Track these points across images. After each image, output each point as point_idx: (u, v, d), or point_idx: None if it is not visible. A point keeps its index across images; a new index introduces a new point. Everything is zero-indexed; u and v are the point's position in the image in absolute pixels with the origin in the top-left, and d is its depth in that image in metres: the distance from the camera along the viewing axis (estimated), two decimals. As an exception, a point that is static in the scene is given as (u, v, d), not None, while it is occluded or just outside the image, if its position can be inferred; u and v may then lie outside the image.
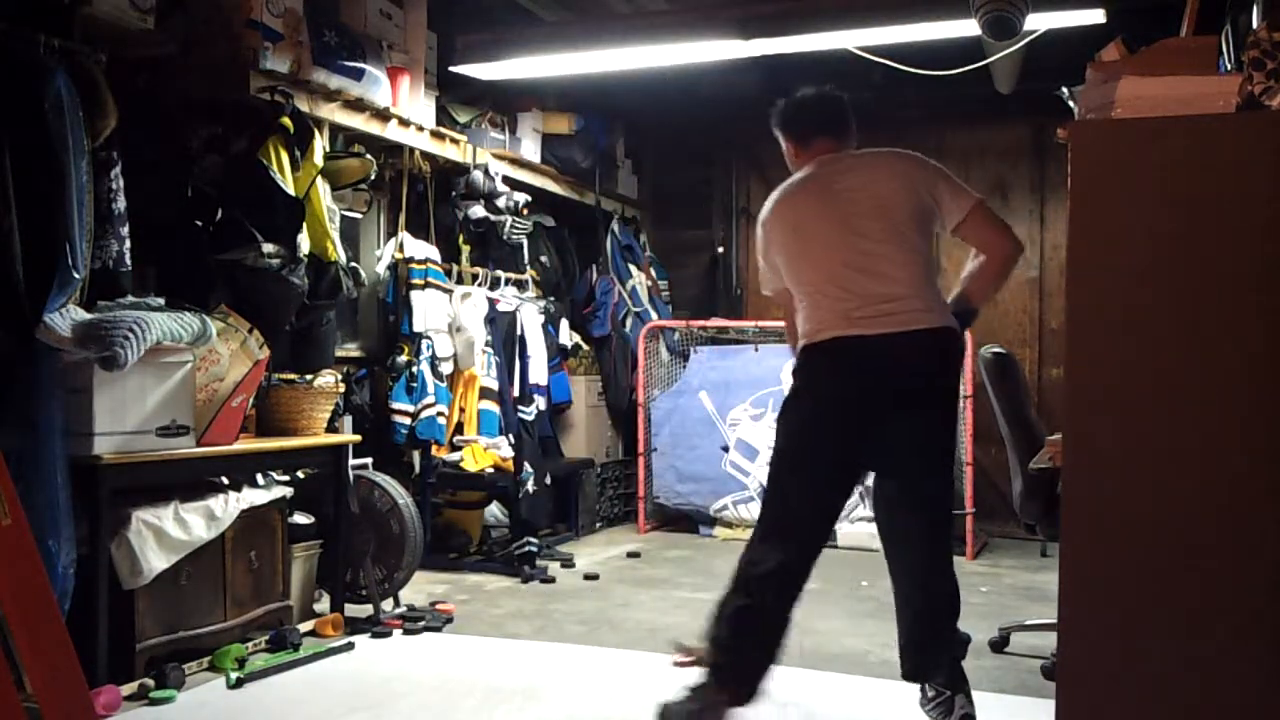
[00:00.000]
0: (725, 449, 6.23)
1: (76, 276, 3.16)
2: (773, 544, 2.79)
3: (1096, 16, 4.41)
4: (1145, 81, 2.35)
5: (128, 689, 3.20)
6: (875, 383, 2.78)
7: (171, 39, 3.84)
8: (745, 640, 2.75)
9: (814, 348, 2.83)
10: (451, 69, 5.20)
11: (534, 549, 5.19)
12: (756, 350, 6.29)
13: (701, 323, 6.61)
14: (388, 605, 4.26)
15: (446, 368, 5.32)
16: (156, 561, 3.30)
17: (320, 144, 4.24)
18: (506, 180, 5.64)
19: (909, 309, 2.76)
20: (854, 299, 2.77)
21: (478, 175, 5.43)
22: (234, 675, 3.38)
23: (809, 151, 3.02)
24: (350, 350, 5.12)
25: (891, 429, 2.82)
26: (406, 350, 5.11)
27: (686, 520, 6.39)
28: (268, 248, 3.92)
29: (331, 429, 4.28)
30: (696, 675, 2.80)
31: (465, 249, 5.76)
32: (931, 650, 2.93)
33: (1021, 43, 4.62)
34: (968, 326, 2.95)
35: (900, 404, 2.79)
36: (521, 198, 5.67)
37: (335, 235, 4.30)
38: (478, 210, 5.47)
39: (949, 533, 2.98)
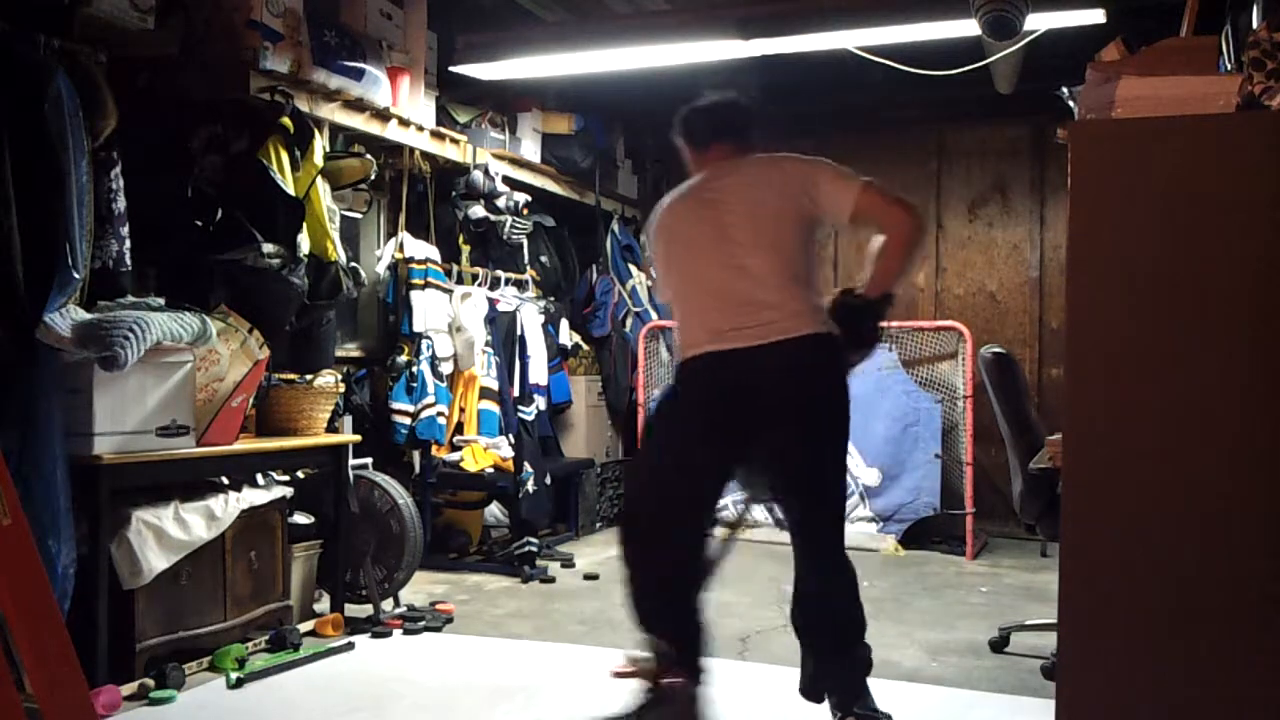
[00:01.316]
0: (725, 449, 6.22)
1: (76, 276, 3.16)
2: (636, 543, 2.82)
3: (1096, 16, 4.41)
4: (1145, 81, 2.35)
5: (128, 689, 3.20)
6: (738, 397, 2.69)
7: (171, 39, 3.83)
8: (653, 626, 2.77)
9: (685, 364, 2.78)
10: (451, 69, 5.20)
11: (534, 549, 5.19)
12: (756, 350, 6.28)
13: (701, 323, 6.59)
14: (388, 605, 4.26)
15: (446, 368, 5.32)
16: (156, 561, 3.30)
17: (320, 144, 4.24)
18: (506, 180, 5.64)
19: (773, 319, 2.67)
20: (720, 311, 2.72)
21: (478, 175, 5.43)
22: (234, 675, 3.38)
23: (706, 158, 2.95)
24: (350, 350, 5.11)
25: (764, 442, 2.75)
26: (406, 350, 5.11)
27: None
28: (268, 248, 3.92)
29: (331, 429, 4.28)
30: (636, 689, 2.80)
31: (465, 249, 5.76)
32: (820, 673, 2.83)
33: (1021, 43, 4.62)
34: (882, 315, 2.85)
35: (768, 417, 2.71)
36: (521, 198, 5.67)
37: (335, 235, 4.30)
38: (478, 210, 5.47)
39: (834, 546, 2.87)
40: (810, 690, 2.87)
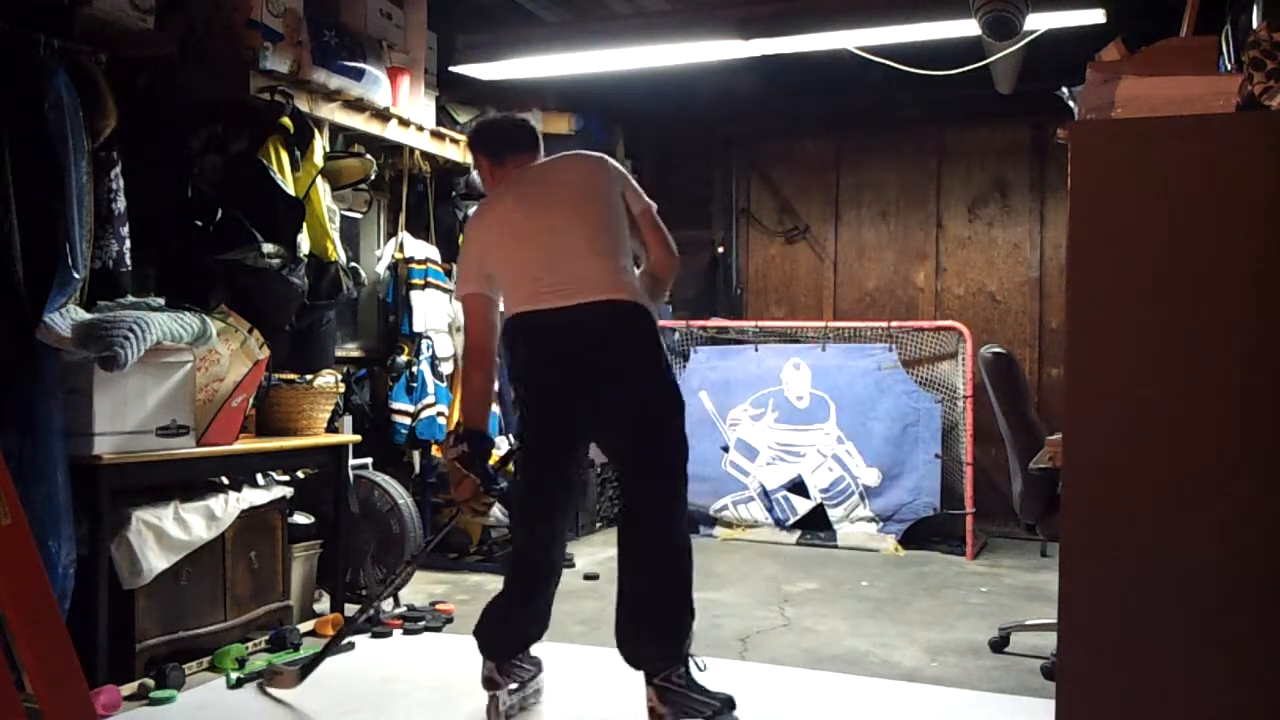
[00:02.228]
0: (725, 449, 6.23)
1: (76, 276, 3.16)
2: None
3: (1096, 16, 4.41)
4: (1145, 81, 2.35)
5: (128, 689, 3.20)
6: (559, 352, 2.95)
7: (171, 39, 3.83)
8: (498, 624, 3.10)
9: (507, 323, 3.04)
10: (451, 69, 5.20)
11: (534, 549, 5.18)
12: (756, 350, 6.30)
13: (701, 323, 6.61)
14: (388, 605, 4.25)
15: (446, 368, 5.32)
16: (156, 561, 3.31)
17: (320, 144, 4.24)
18: (506, 180, 5.63)
19: (589, 285, 2.91)
20: (542, 282, 2.95)
21: (478, 175, 5.42)
22: (234, 675, 3.38)
23: (503, 168, 3.22)
24: (350, 350, 5.11)
25: (588, 400, 2.97)
26: (406, 350, 5.11)
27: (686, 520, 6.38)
28: (268, 248, 3.92)
29: (331, 429, 4.28)
30: None
31: (465, 249, 5.76)
32: (643, 635, 2.95)
33: (1021, 43, 4.62)
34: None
35: (589, 374, 2.94)
36: (521, 198, 5.67)
37: (335, 235, 4.30)
38: (478, 210, 5.47)
39: (672, 511, 3.00)
40: (631, 654, 3.01)
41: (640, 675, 2.95)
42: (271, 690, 3.31)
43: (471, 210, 5.43)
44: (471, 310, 3.09)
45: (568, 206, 3.03)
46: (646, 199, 3.12)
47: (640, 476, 3.01)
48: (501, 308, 3.10)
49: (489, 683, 3.11)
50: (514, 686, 3.16)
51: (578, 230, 2.99)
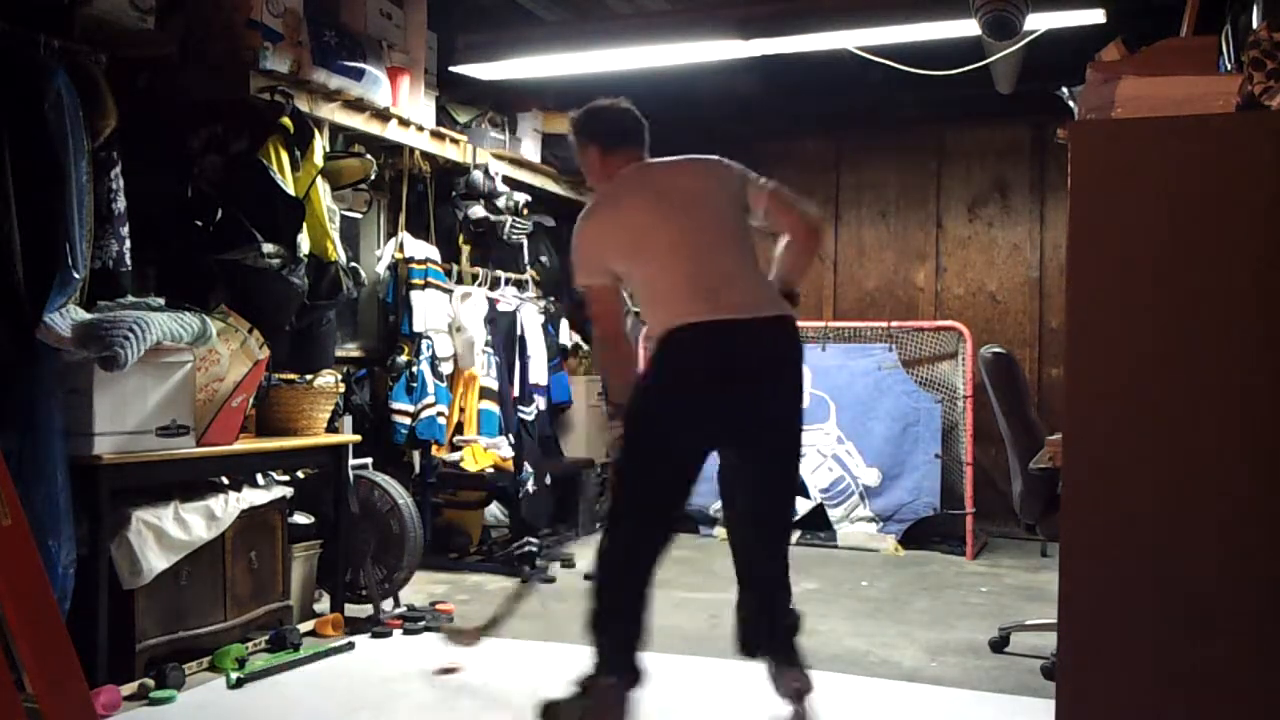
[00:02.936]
0: (725, 449, 6.22)
1: (76, 276, 3.16)
2: (631, 528, 2.93)
3: (1096, 16, 4.41)
4: (1145, 81, 2.34)
5: (128, 689, 3.20)
6: (725, 365, 2.84)
7: (171, 39, 3.83)
8: (620, 624, 2.88)
9: (669, 335, 2.86)
10: (451, 69, 5.20)
11: (534, 549, 5.19)
12: (756, 350, 6.28)
13: (701, 323, 6.59)
14: (388, 605, 4.25)
15: (446, 368, 5.32)
16: (156, 561, 3.30)
17: (320, 144, 4.23)
18: (506, 180, 5.63)
19: (753, 300, 2.87)
20: (711, 295, 2.84)
21: (478, 175, 5.43)
22: (234, 675, 3.38)
23: (614, 160, 3.12)
24: (350, 350, 5.11)
25: (746, 408, 2.89)
26: (406, 350, 5.11)
27: (686, 520, 6.38)
28: (268, 248, 3.92)
29: (331, 429, 4.28)
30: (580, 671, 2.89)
31: (465, 249, 5.76)
32: (765, 626, 3.04)
33: (1021, 43, 4.62)
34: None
35: (753, 383, 2.88)
36: (521, 198, 5.67)
37: (335, 235, 4.30)
38: (478, 210, 5.47)
39: (791, 518, 3.20)
40: (750, 644, 3.06)
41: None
42: (453, 645, 3.42)
43: (472, 210, 5.45)
44: (598, 299, 3.00)
45: (713, 217, 2.96)
46: (764, 181, 3.05)
47: (777, 478, 3.03)
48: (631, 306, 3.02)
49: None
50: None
51: (729, 243, 2.94)
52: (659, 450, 2.90)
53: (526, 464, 5.34)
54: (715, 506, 6.21)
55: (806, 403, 3.01)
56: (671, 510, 2.99)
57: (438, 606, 4.34)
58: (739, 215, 3.01)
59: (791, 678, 2.95)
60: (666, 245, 2.91)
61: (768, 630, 3.04)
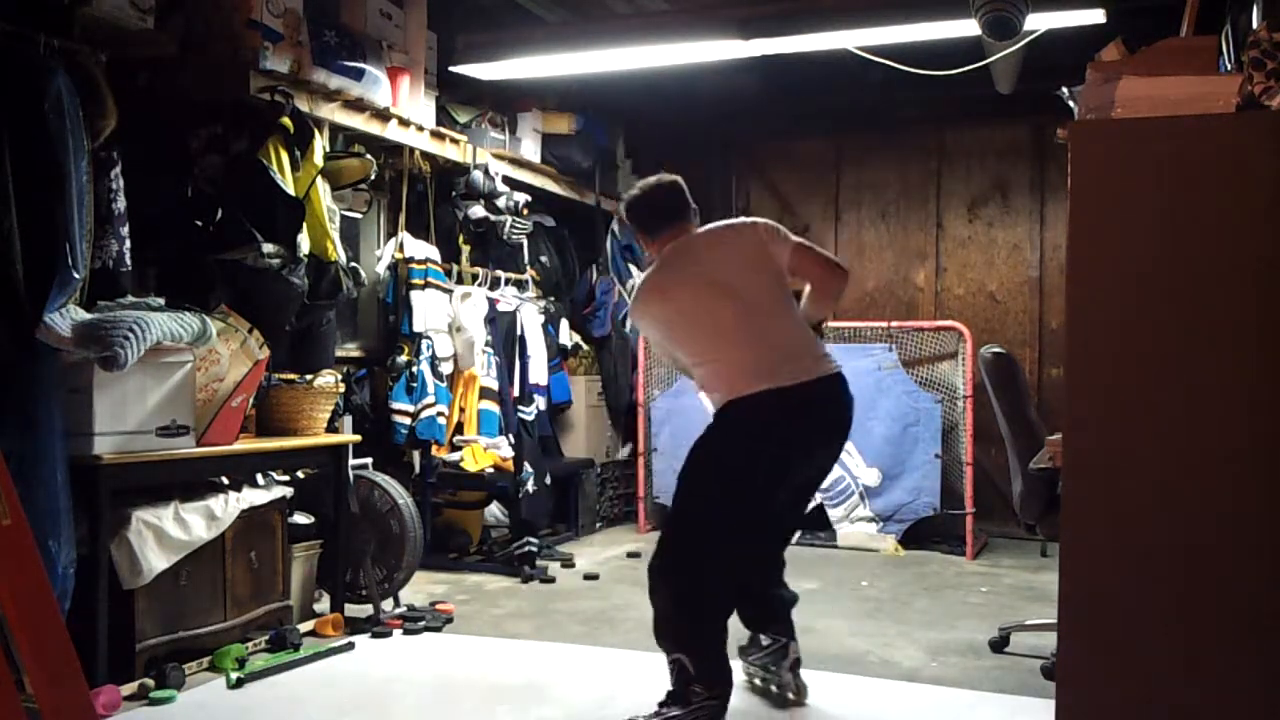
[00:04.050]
0: (725, 449, 6.22)
1: (76, 276, 3.15)
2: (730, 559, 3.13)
3: (1096, 16, 4.41)
4: (1145, 81, 2.34)
5: (128, 689, 3.20)
6: (802, 424, 3.07)
7: (171, 39, 3.83)
8: (717, 641, 3.03)
9: (740, 402, 3.02)
10: (451, 69, 5.20)
11: (534, 549, 5.19)
12: (756, 350, 6.28)
13: (701, 323, 6.59)
14: (388, 605, 4.25)
15: (446, 368, 5.32)
16: (156, 561, 3.30)
17: (320, 144, 4.23)
18: (506, 180, 5.63)
19: (809, 363, 3.07)
20: (761, 360, 3.03)
21: (478, 175, 5.43)
22: (234, 675, 3.38)
23: (660, 240, 3.26)
24: (350, 350, 5.11)
25: (812, 459, 3.20)
26: (406, 350, 5.11)
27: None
28: (268, 248, 3.92)
29: (331, 429, 4.28)
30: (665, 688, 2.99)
31: (465, 249, 5.76)
32: (772, 600, 3.37)
33: (1021, 43, 4.62)
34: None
35: (819, 440, 3.16)
36: (521, 198, 5.67)
37: (335, 235, 4.30)
38: (478, 210, 5.47)
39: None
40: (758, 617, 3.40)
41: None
42: None
43: (472, 210, 5.46)
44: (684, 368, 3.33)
45: (758, 288, 3.12)
46: (793, 238, 3.22)
47: (803, 506, 3.52)
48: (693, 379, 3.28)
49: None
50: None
51: (777, 310, 3.12)
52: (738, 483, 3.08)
53: (526, 464, 5.34)
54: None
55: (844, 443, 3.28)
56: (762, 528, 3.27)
57: (438, 606, 4.34)
58: (777, 275, 3.16)
59: (794, 650, 3.32)
60: (723, 328, 3.09)
61: (777, 603, 3.37)
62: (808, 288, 3.28)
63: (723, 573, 3.09)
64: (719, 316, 3.08)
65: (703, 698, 2.92)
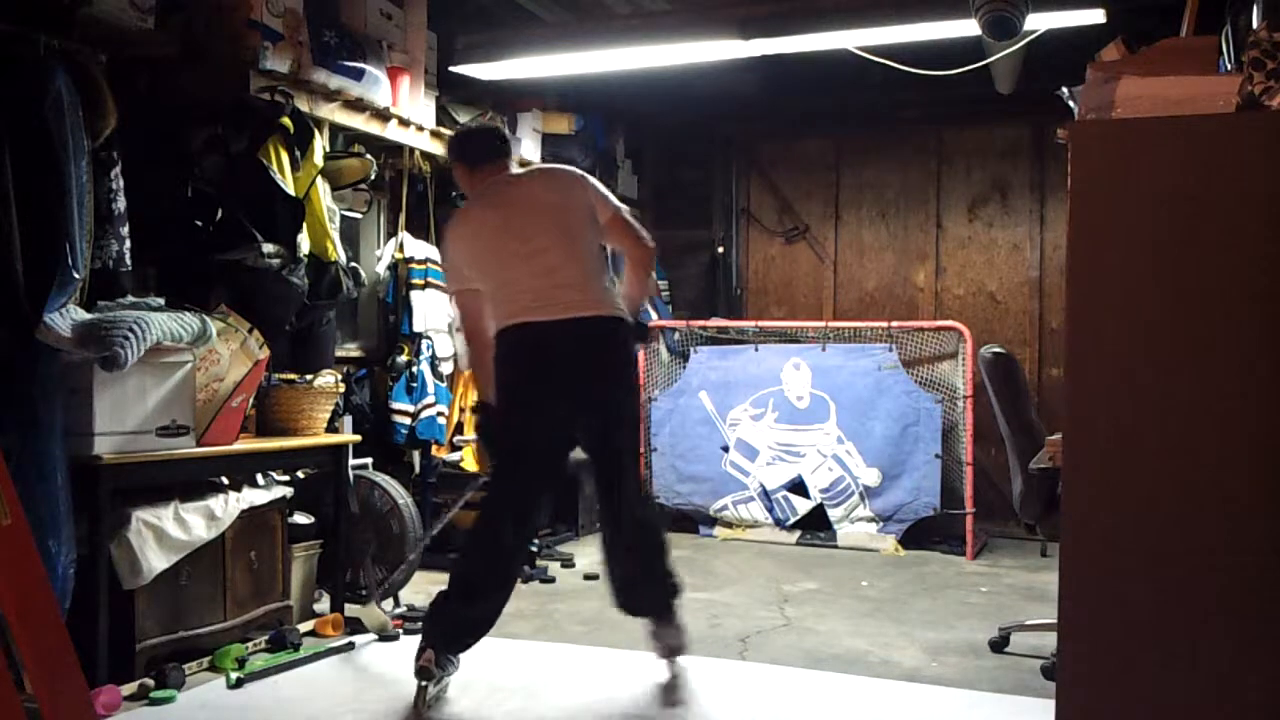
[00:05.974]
0: (725, 449, 6.23)
1: (76, 276, 3.16)
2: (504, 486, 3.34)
3: (1096, 16, 4.41)
4: (1145, 81, 2.34)
5: (128, 689, 3.20)
6: (550, 358, 3.25)
7: (171, 39, 3.83)
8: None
9: (500, 335, 3.29)
10: (451, 69, 5.19)
11: (534, 549, 5.19)
12: (756, 350, 6.29)
13: (701, 323, 6.61)
14: (388, 605, 4.25)
15: (447, 368, 5.31)
16: (156, 561, 3.30)
17: (320, 144, 4.23)
18: (506, 180, 5.62)
19: (572, 299, 3.24)
20: (530, 293, 3.25)
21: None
22: (234, 675, 3.38)
23: (479, 174, 3.50)
24: (350, 350, 5.11)
25: (575, 397, 3.29)
26: (406, 350, 5.11)
27: (687, 520, 6.39)
28: (268, 248, 3.92)
29: (331, 429, 4.28)
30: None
31: (465, 249, 5.75)
32: (644, 586, 3.41)
33: (1021, 43, 4.62)
34: (645, 335, 3.61)
35: (576, 376, 3.26)
36: (521, 198, 5.66)
37: (335, 235, 4.30)
38: (478, 210, 5.46)
39: (639, 483, 3.53)
40: (631, 602, 3.43)
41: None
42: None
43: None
44: (464, 305, 3.43)
45: (550, 225, 3.32)
46: (614, 203, 3.42)
47: (619, 455, 3.40)
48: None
49: (423, 672, 3.20)
50: (441, 677, 3.29)
51: (562, 249, 3.29)
52: (521, 432, 3.28)
53: (526, 464, 5.33)
54: (715, 506, 6.23)
55: (622, 383, 3.40)
56: (543, 474, 3.39)
57: (438, 606, 4.34)
58: (584, 225, 3.35)
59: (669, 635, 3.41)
60: (504, 251, 3.30)
61: (648, 588, 3.42)
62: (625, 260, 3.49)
63: (503, 510, 3.28)
64: (513, 249, 3.28)
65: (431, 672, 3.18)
